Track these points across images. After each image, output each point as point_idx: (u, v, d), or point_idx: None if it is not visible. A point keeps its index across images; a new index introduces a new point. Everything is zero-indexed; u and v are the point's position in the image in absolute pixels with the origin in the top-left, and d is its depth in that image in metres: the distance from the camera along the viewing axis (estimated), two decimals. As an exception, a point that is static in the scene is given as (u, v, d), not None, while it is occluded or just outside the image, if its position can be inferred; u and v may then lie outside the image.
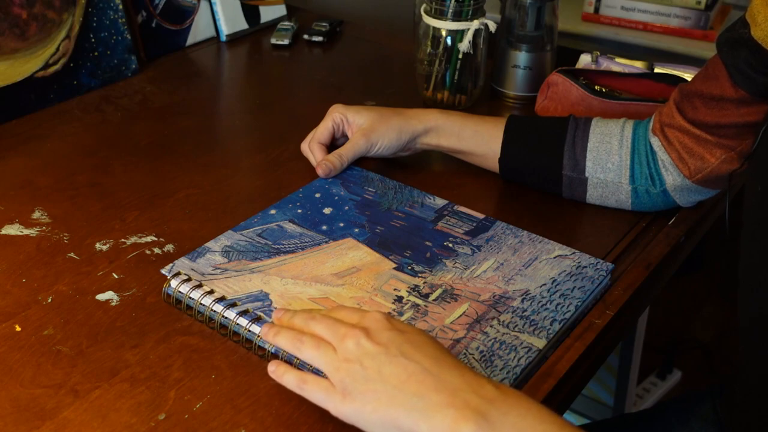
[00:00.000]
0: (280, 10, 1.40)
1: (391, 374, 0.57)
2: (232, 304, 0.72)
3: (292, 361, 0.67)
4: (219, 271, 0.76)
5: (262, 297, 0.73)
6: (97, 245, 0.82)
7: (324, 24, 1.36)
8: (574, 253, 0.80)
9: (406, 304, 0.73)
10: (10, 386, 0.65)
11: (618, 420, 1.02)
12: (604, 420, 1.00)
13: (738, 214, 0.75)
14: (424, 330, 0.63)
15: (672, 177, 0.86)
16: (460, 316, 0.72)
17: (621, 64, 1.09)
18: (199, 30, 1.31)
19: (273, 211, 0.86)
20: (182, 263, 0.77)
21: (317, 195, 0.89)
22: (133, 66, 1.19)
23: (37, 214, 0.87)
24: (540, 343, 0.70)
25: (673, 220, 0.90)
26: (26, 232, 0.84)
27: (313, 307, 0.72)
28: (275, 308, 0.72)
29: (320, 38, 1.34)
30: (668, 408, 0.91)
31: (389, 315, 0.64)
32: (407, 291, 0.75)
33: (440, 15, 1.07)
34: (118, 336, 0.71)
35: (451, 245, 0.82)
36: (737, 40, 0.75)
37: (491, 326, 0.71)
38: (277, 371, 0.62)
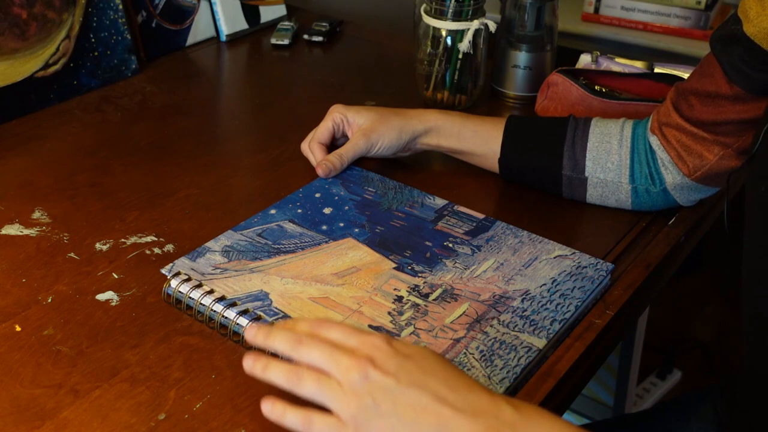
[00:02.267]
0: (280, 10, 1.40)
1: (406, 407, 0.54)
2: (232, 304, 0.72)
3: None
4: (219, 270, 0.76)
5: (262, 297, 0.73)
6: (97, 245, 0.82)
7: (324, 24, 1.36)
8: (574, 253, 0.80)
9: (406, 303, 0.73)
10: (10, 386, 0.65)
11: (618, 420, 1.02)
12: (604, 420, 1.00)
13: (737, 214, 0.75)
14: (425, 345, 0.60)
15: (671, 175, 0.86)
16: (460, 315, 0.72)
17: (621, 64, 1.09)
18: (199, 30, 1.31)
19: (273, 211, 0.86)
20: (182, 263, 0.77)
21: (317, 195, 0.89)
22: (133, 66, 1.19)
23: (37, 214, 0.87)
24: (540, 343, 0.70)
25: (673, 220, 0.90)
26: (26, 232, 0.84)
27: (313, 307, 0.72)
28: (276, 308, 0.72)
29: (320, 38, 1.34)
30: (668, 408, 0.91)
31: (388, 336, 0.59)
32: (407, 291, 0.75)
33: (440, 15, 1.07)
34: (118, 336, 0.71)
35: (451, 245, 0.82)
36: (730, 37, 0.74)
37: (491, 326, 0.71)
38: (275, 410, 0.58)
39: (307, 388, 0.57)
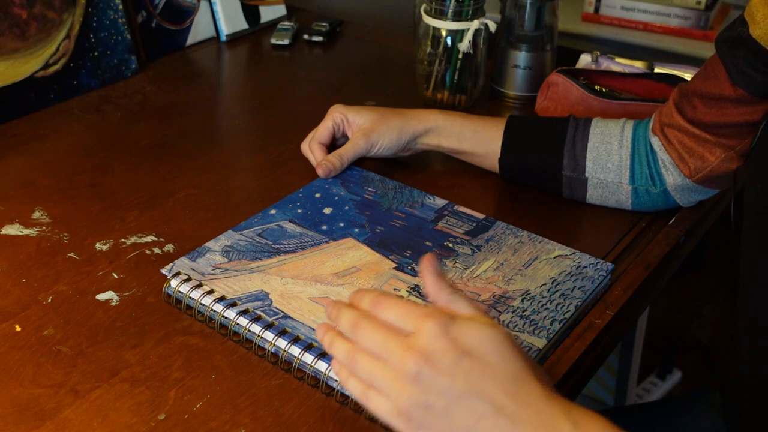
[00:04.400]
0: (280, 10, 1.40)
1: (460, 413, 0.52)
2: (232, 304, 0.72)
3: (291, 361, 0.67)
4: (219, 270, 0.76)
5: (262, 297, 0.73)
6: (97, 245, 0.82)
7: (324, 24, 1.36)
8: (574, 253, 0.80)
9: (406, 304, 0.73)
10: (10, 386, 0.65)
11: (621, 410, 1.02)
12: (608, 408, 1.00)
13: (739, 213, 0.75)
14: (488, 326, 0.54)
15: (672, 177, 0.86)
16: (460, 316, 0.72)
17: (621, 64, 1.09)
18: (199, 30, 1.31)
19: (273, 211, 0.86)
20: (182, 263, 0.77)
21: (317, 195, 0.89)
22: (133, 66, 1.19)
23: (37, 214, 0.87)
24: (540, 343, 0.70)
25: (673, 220, 0.90)
26: (26, 232, 0.84)
27: (313, 307, 0.72)
28: (276, 308, 0.72)
29: (320, 38, 1.34)
30: (674, 400, 0.92)
31: (447, 320, 0.53)
32: (407, 291, 0.75)
33: (440, 15, 1.07)
34: (118, 336, 0.71)
35: (451, 245, 0.82)
36: (736, 39, 0.74)
37: (491, 326, 0.71)
38: (341, 373, 0.57)
39: (361, 371, 0.55)
